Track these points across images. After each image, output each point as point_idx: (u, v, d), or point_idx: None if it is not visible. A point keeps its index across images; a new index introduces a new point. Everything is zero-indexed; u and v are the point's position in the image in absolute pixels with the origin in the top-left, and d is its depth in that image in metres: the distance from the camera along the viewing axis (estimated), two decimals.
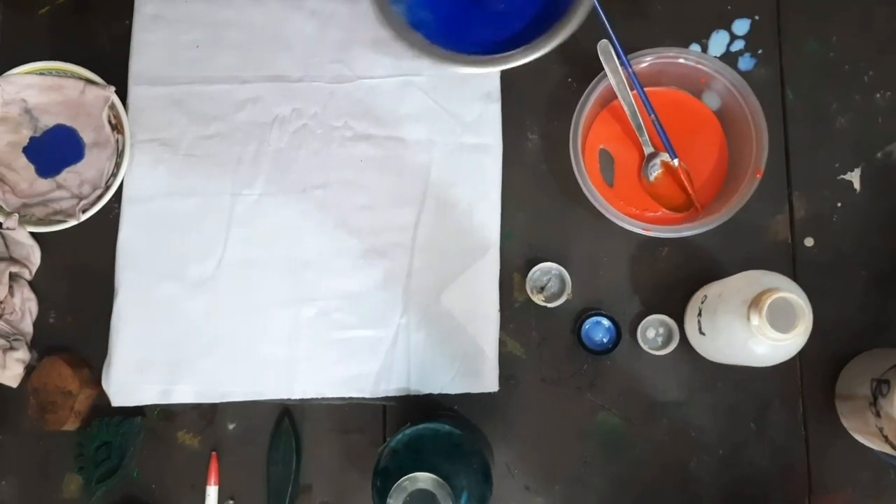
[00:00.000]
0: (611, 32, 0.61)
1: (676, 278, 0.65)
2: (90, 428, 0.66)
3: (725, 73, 0.62)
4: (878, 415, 0.55)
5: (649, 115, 0.64)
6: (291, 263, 0.66)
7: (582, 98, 0.63)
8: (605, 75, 0.62)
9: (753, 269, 0.64)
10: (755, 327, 0.50)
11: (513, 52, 0.60)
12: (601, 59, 0.62)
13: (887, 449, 0.55)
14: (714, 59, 0.63)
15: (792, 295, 0.50)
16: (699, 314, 0.59)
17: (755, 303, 0.50)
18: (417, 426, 0.55)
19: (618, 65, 0.62)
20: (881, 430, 0.54)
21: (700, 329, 0.58)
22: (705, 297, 0.59)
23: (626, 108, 0.64)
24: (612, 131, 0.67)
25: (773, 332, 0.49)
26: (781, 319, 0.50)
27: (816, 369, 0.63)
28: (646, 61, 0.63)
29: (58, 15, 0.72)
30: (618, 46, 0.61)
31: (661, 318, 0.64)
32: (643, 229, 0.61)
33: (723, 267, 0.65)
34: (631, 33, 0.65)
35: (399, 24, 0.61)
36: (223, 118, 0.68)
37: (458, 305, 0.65)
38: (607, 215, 0.62)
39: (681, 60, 0.63)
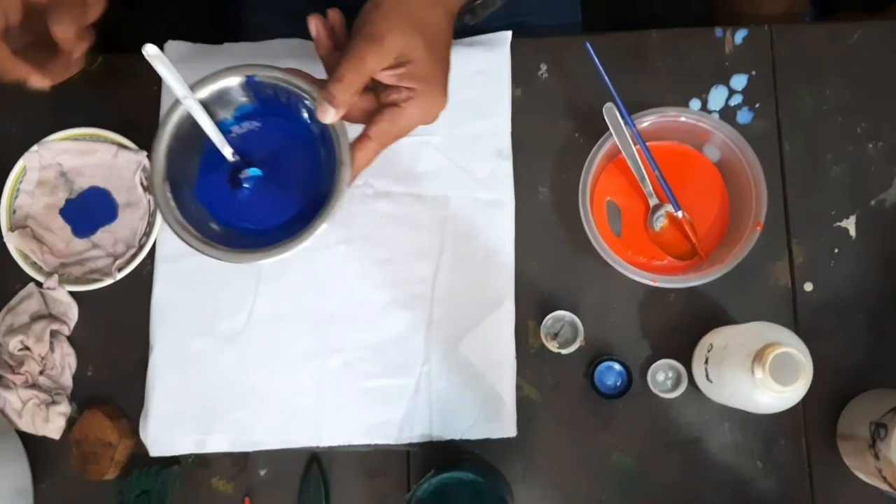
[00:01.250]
0: (615, 95, 0.65)
1: (683, 323, 0.69)
2: (130, 477, 0.69)
3: (724, 130, 0.66)
4: (877, 457, 0.58)
5: (653, 170, 0.68)
6: (317, 316, 0.70)
7: (590, 155, 0.66)
8: (611, 134, 0.66)
9: (756, 313, 0.68)
10: (759, 380, 0.54)
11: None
12: (606, 120, 0.65)
13: (887, 489, 0.58)
14: (713, 117, 0.66)
15: (793, 350, 0.53)
16: (706, 362, 0.62)
17: (759, 357, 0.54)
18: (442, 475, 0.58)
19: (622, 125, 0.66)
20: (880, 471, 0.58)
21: (707, 376, 0.62)
22: (711, 345, 0.62)
23: (631, 164, 0.67)
24: (619, 184, 0.70)
25: (776, 386, 0.53)
26: (784, 372, 0.53)
27: (819, 409, 0.66)
28: (649, 120, 0.66)
29: (91, 82, 0.75)
30: (622, 108, 0.65)
31: (669, 362, 0.68)
32: (651, 280, 0.65)
33: (727, 312, 0.69)
34: (634, 89, 0.69)
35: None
36: None
37: (476, 354, 0.68)
38: (616, 267, 0.65)
39: (682, 119, 0.67)
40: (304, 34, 0.60)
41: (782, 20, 0.96)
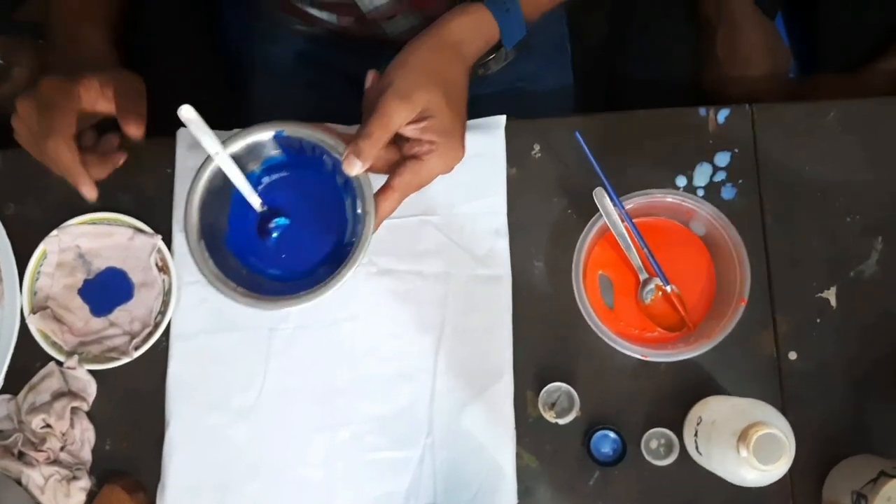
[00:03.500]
0: (604, 180, 0.69)
1: (674, 392, 0.72)
2: None
3: (708, 210, 0.70)
4: None
5: (642, 248, 0.71)
6: (325, 391, 0.73)
7: (581, 236, 0.70)
8: (602, 215, 0.70)
9: (743, 381, 0.72)
10: (744, 458, 0.57)
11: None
12: (597, 202, 0.69)
13: None
14: (698, 196, 0.70)
15: (776, 431, 0.56)
16: (695, 434, 0.65)
17: (743, 436, 0.57)
18: None
19: (611, 207, 0.69)
20: None
21: (697, 448, 0.65)
22: (700, 419, 0.65)
23: (621, 242, 0.71)
24: (610, 258, 0.74)
25: (759, 465, 0.56)
26: (767, 451, 0.57)
27: (805, 475, 0.69)
28: (636, 201, 0.70)
29: None
30: (611, 192, 0.69)
31: (662, 430, 0.71)
32: (641, 355, 0.68)
33: (715, 380, 0.72)
34: (622, 167, 0.73)
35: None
36: None
37: (477, 425, 0.72)
38: (608, 342, 0.69)
39: (668, 199, 0.70)
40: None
41: (769, 80, 1.00)
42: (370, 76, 0.65)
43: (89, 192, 0.66)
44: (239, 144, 0.64)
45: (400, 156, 0.63)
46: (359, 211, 0.62)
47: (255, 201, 0.66)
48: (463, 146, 0.64)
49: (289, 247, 0.68)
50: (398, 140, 0.63)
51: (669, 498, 0.71)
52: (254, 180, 0.67)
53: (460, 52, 0.66)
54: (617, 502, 0.71)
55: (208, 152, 0.62)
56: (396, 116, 0.60)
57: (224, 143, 0.63)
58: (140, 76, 0.69)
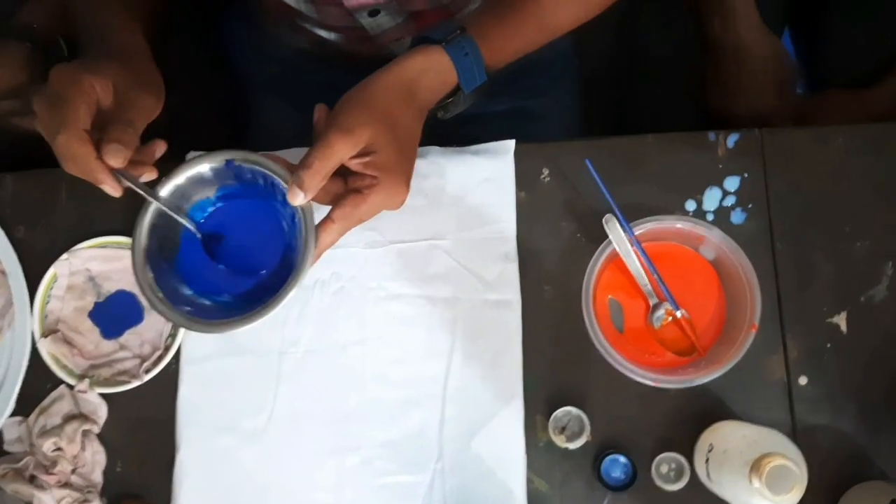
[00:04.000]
0: (614, 206, 0.69)
1: (684, 417, 0.72)
2: None
3: (718, 237, 0.70)
4: None
5: (652, 273, 0.71)
6: (335, 415, 0.73)
7: (591, 262, 0.70)
8: (611, 241, 0.70)
9: (753, 406, 0.72)
10: (756, 489, 0.57)
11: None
12: (606, 229, 0.69)
13: None
14: (707, 223, 0.70)
15: (789, 462, 0.56)
16: (706, 462, 0.65)
17: (755, 467, 0.57)
18: None
19: (622, 233, 0.69)
20: None
21: (708, 475, 0.65)
22: (711, 446, 0.65)
23: (631, 268, 0.71)
24: (620, 283, 0.74)
25: (771, 496, 0.56)
26: (779, 482, 0.57)
27: (816, 500, 0.69)
28: (646, 227, 0.70)
29: None
30: (621, 218, 0.69)
31: (672, 455, 0.71)
32: (652, 381, 0.68)
33: (725, 405, 0.72)
34: (632, 191, 0.73)
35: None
36: None
37: (487, 450, 0.72)
38: (618, 367, 0.69)
39: (678, 225, 0.70)
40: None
41: (776, 98, 1.00)
42: (318, 110, 0.65)
43: (112, 189, 0.61)
44: (184, 175, 0.66)
45: (344, 189, 0.64)
46: (300, 242, 0.63)
47: (190, 224, 0.67)
48: (407, 185, 0.64)
49: (236, 273, 0.68)
50: (345, 174, 0.63)
51: None
52: (205, 206, 0.69)
53: (412, 92, 0.65)
54: None
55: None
56: (338, 149, 0.60)
57: (176, 169, 0.65)
58: (162, 81, 0.67)
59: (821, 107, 1.02)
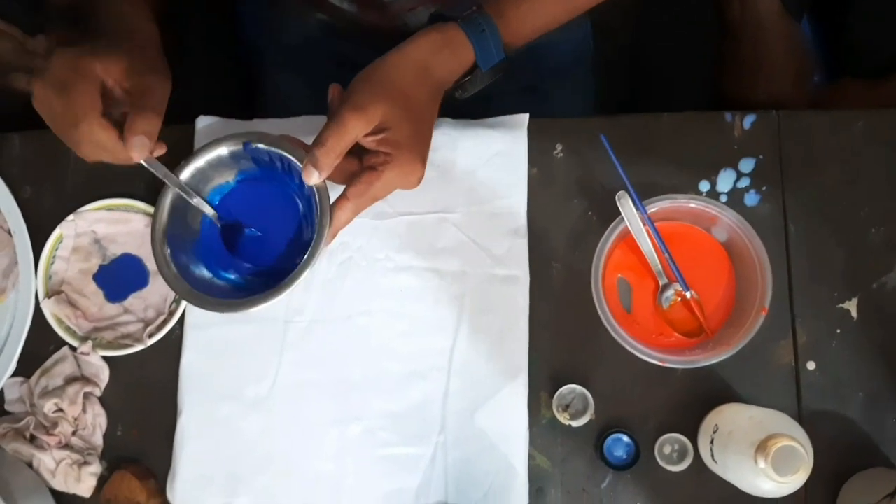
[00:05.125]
0: (628, 184, 0.68)
1: (689, 398, 0.71)
2: None
3: (732, 218, 0.69)
4: None
5: (664, 253, 0.70)
6: (339, 385, 0.73)
7: (602, 239, 0.69)
8: (623, 219, 0.69)
9: (759, 390, 0.71)
10: (762, 469, 0.56)
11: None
12: (619, 206, 0.69)
13: None
14: (722, 204, 0.69)
15: (796, 444, 0.56)
16: (711, 442, 0.65)
17: (762, 447, 0.57)
18: None
19: (634, 211, 0.69)
20: None
21: (712, 456, 0.65)
22: (716, 427, 0.65)
23: (642, 247, 0.70)
24: (630, 262, 0.73)
25: (777, 476, 0.56)
26: (785, 463, 0.56)
27: (820, 486, 0.69)
28: (660, 206, 0.69)
29: None
30: (635, 196, 0.68)
31: (676, 436, 0.70)
32: (659, 361, 0.68)
33: (731, 388, 0.71)
34: (645, 171, 0.72)
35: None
36: None
37: (490, 425, 0.71)
38: (626, 346, 0.68)
39: (691, 204, 0.70)
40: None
41: (793, 84, 0.99)
42: (332, 89, 0.64)
43: (138, 149, 0.62)
44: (204, 159, 0.67)
45: (360, 167, 0.63)
46: (315, 221, 0.63)
47: (211, 212, 0.69)
48: (423, 163, 0.63)
49: (254, 254, 0.70)
50: (360, 152, 0.63)
51: None
52: (225, 190, 0.70)
53: (427, 70, 0.64)
54: None
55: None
56: (352, 126, 0.59)
57: (195, 152, 0.67)
58: (168, 72, 0.67)
59: (836, 96, 1.01)
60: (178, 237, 0.68)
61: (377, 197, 0.63)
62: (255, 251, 0.70)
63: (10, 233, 0.76)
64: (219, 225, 0.69)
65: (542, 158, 0.76)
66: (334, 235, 0.63)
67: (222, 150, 0.67)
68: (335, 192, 0.63)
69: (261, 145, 0.66)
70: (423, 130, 0.65)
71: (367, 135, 0.61)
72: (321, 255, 0.62)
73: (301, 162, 0.62)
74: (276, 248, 0.69)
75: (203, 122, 0.78)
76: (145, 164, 0.63)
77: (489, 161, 0.75)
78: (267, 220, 0.70)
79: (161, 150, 0.65)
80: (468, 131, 0.76)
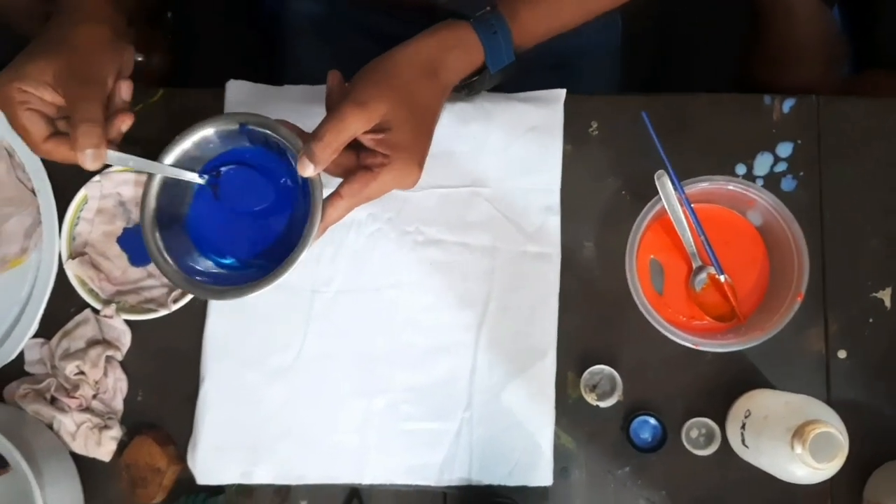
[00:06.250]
0: (667, 163, 0.67)
1: (718, 383, 0.71)
2: (178, 502, 0.72)
3: (771, 202, 0.68)
4: None
5: (699, 235, 0.70)
6: (364, 357, 0.72)
7: (638, 218, 0.68)
8: (661, 199, 0.68)
9: (789, 377, 0.70)
10: (798, 455, 0.56)
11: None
12: (658, 186, 0.68)
13: None
14: (761, 187, 0.68)
15: (834, 430, 0.55)
16: (743, 427, 0.64)
17: (799, 433, 0.56)
18: None
19: (672, 191, 0.68)
20: None
21: (743, 441, 0.64)
22: (749, 412, 0.64)
23: (678, 228, 0.69)
24: (663, 243, 0.73)
25: (814, 463, 0.55)
26: (822, 449, 0.56)
27: (847, 475, 0.68)
28: (698, 187, 0.68)
29: (151, 115, 0.77)
30: (674, 177, 0.67)
31: (703, 420, 0.70)
32: (693, 344, 0.67)
33: (761, 374, 0.71)
34: (680, 152, 0.71)
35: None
36: None
37: (517, 403, 0.71)
38: (659, 328, 0.67)
39: (729, 186, 0.69)
40: (356, 70, 0.62)
41: (823, 72, 0.98)
42: (331, 77, 0.62)
43: (91, 162, 0.59)
44: (199, 134, 0.65)
45: (357, 164, 0.61)
46: (307, 214, 0.61)
47: (194, 177, 0.66)
48: (421, 166, 0.61)
49: (243, 238, 0.67)
50: (358, 148, 0.61)
51: (706, 489, 0.70)
52: (217, 162, 0.67)
53: (435, 69, 0.62)
54: (652, 489, 0.70)
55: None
56: (351, 123, 0.57)
57: (194, 125, 0.64)
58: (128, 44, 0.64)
59: (870, 86, 1.00)
60: (167, 223, 0.66)
61: (371, 197, 0.61)
62: (245, 233, 0.67)
63: (34, 192, 0.75)
64: (205, 182, 0.66)
65: (577, 136, 0.75)
66: (324, 231, 0.61)
67: (220, 128, 0.64)
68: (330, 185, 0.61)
69: (257, 127, 0.63)
70: (423, 133, 0.63)
71: (366, 132, 0.59)
72: (309, 248, 0.60)
73: (297, 151, 0.60)
74: (266, 231, 0.67)
75: (233, 87, 0.77)
76: (113, 164, 0.61)
77: (524, 136, 0.73)
78: (259, 201, 0.67)
79: (128, 123, 0.62)
80: (503, 105, 0.74)
